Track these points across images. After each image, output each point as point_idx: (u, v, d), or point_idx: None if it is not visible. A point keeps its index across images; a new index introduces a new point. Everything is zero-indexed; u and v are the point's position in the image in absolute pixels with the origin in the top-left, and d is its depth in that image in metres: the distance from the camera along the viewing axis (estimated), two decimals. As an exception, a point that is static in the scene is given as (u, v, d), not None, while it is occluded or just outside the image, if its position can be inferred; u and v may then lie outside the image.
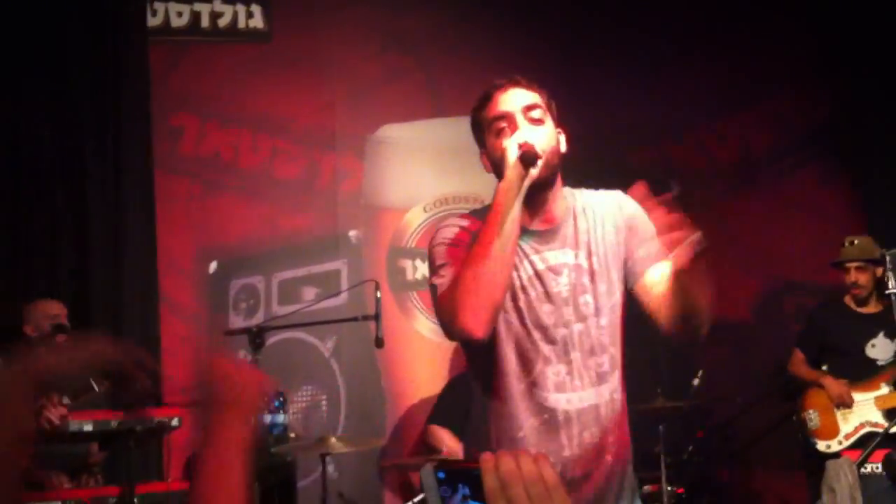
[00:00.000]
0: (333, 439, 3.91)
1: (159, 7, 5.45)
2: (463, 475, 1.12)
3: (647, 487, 4.05)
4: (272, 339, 4.38)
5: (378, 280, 4.47)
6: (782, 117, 5.64)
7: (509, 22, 5.73)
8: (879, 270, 4.44)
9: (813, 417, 4.56)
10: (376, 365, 5.17)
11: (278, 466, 4.25)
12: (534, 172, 2.22)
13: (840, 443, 4.43)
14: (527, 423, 2.25)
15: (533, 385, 2.26)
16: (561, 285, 2.30)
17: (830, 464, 3.80)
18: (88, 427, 3.84)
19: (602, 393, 2.29)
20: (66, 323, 4.43)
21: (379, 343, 4.29)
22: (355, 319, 4.52)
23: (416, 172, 5.49)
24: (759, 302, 5.53)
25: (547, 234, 2.35)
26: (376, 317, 4.31)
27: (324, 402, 5.21)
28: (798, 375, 4.70)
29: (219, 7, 5.55)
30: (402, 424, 5.12)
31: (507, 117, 2.32)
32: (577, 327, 2.28)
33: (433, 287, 2.29)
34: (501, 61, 5.68)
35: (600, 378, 2.29)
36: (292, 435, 4.39)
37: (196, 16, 5.54)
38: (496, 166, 2.32)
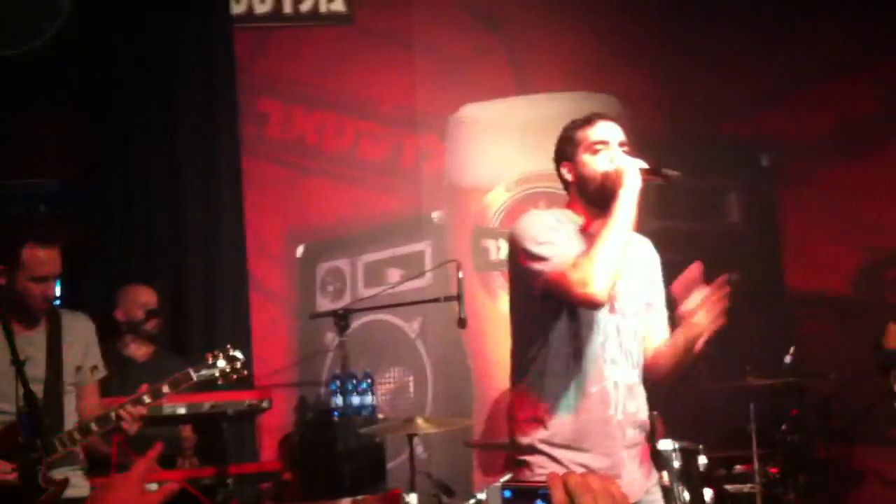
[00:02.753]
0: (421, 420, 3.94)
1: (242, -6, 5.53)
2: (530, 493, 1.16)
3: (738, 467, 3.98)
4: (358, 322, 4.44)
5: (462, 260, 4.47)
6: (883, 83, 5.42)
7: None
8: None
9: None
10: (462, 345, 5.18)
11: (367, 447, 4.30)
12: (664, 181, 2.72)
13: None
14: (600, 382, 2.66)
15: (598, 358, 2.68)
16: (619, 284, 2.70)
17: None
18: (182, 410, 3.94)
19: (640, 375, 2.76)
20: (157, 308, 4.55)
21: (462, 323, 4.30)
22: (438, 300, 4.54)
23: (499, 151, 5.46)
24: (859, 274, 5.35)
25: None
26: (459, 297, 4.32)
27: (411, 384, 5.25)
28: (893, 349, 4.53)
29: (301, -8, 5.60)
30: (488, 404, 5.11)
31: (606, 144, 2.75)
32: (627, 317, 2.74)
33: (538, 257, 2.65)
34: (587, 37, 5.60)
35: (638, 363, 2.76)
36: (380, 416, 4.44)
37: (278, 3, 5.60)
38: (583, 179, 2.75)
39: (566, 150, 2.83)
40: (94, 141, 5.30)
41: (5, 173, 5.19)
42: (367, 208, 5.49)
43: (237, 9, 5.52)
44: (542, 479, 1.20)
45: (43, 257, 3.43)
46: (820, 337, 5.06)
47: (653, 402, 2.80)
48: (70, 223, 5.19)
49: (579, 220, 2.77)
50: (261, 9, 5.56)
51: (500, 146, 5.49)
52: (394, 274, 5.29)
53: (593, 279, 2.56)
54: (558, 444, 2.64)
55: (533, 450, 2.66)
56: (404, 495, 3.89)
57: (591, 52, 5.60)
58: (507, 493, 1.16)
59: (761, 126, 5.59)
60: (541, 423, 2.66)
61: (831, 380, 4.66)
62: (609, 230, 2.61)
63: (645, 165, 2.70)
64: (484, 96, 5.61)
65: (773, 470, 4.00)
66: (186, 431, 4.33)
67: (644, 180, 2.66)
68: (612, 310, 2.71)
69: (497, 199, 5.37)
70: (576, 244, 2.67)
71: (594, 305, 2.62)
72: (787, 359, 4.22)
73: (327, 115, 5.64)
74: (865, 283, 5.29)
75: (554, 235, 2.70)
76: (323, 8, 5.61)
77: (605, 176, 2.71)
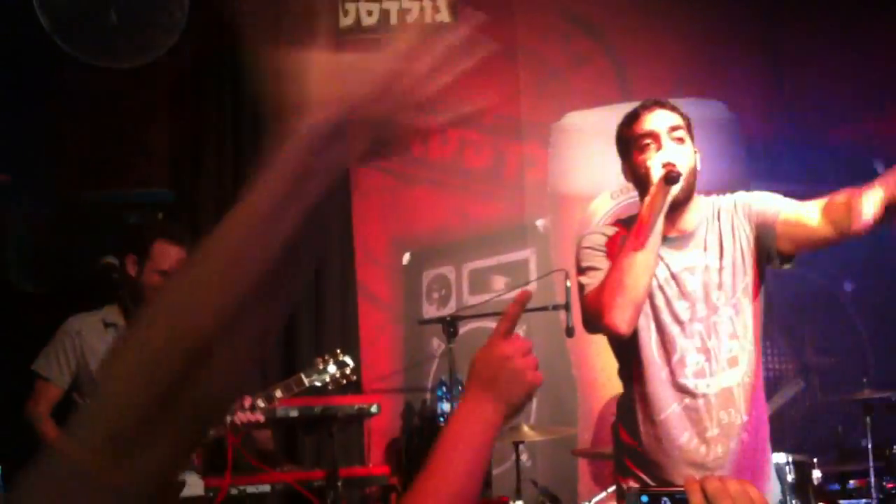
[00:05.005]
0: (526, 428, 3.96)
1: (350, 7, 5.64)
2: (667, 497, 1.18)
3: (853, 482, 3.89)
4: (464, 328, 4.47)
5: (567, 268, 4.47)
6: None
7: (699, 3, 5.58)
8: None
9: None
10: (567, 354, 5.17)
11: (472, 453, 4.33)
12: (675, 191, 2.50)
13: None
14: (669, 407, 2.55)
15: (673, 373, 2.56)
16: (694, 284, 2.60)
17: None
18: (294, 413, 4.04)
19: (735, 376, 2.57)
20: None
21: (570, 332, 4.30)
22: (546, 309, 4.55)
23: (602, 159, 5.39)
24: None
25: (681, 240, 2.65)
26: (566, 306, 4.32)
27: (516, 391, 5.26)
28: None
29: (406, 3, 5.68)
30: (593, 413, 5.10)
31: (653, 135, 2.60)
32: (712, 320, 2.58)
33: (581, 285, 2.65)
34: (692, 42, 5.54)
35: (733, 363, 2.57)
36: (485, 422, 4.47)
37: (385, 13, 5.70)
38: (638, 180, 2.63)
39: (621, 151, 2.74)
40: (204, 153, 5.46)
41: (121, 183, 5.39)
42: (471, 216, 5.54)
43: (345, 21, 5.64)
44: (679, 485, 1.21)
45: (172, 253, 3.60)
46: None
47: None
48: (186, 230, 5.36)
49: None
50: (368, 21, 5.67)
51: (604, 154, 5.41)
52: (498, 281, 5.33)
53: (608, 310, 2.46)
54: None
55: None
56: (511, 502, 3.91)
57: (696, 58, 5.54)
58: (645, 499, 1.18)
59: (874, 131, 5.44)
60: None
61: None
62: (623, 253, 2.48)
63: (682, 161, 2.49)
64: (587, 104, 5.60)
65: (890, 486, 3.90)
66: (263, 439, 4.35)
67: (661, 184, 2.46)
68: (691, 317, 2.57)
69: (602, 207, 5.35)
70: None
71: (617, 335, 2.51)
72: (906, 371, 4.10)
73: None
74: None
75: (595, 260, 2.62)
76: (428, 18, 5.68)
77: (647, 175, 2.53)
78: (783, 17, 5.50)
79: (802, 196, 2.65)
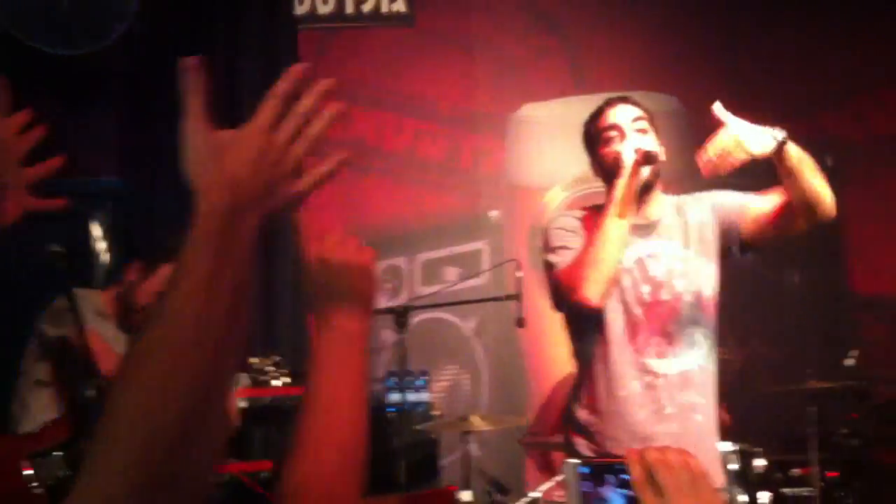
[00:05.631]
0: (476, 417, 3.95)
1: (305, -5, 5.60)
2: (607, 469, 1.16)
3: (796, 471, 3.93)
4: (416, 319, 4.45)
5: (519, 259, 4.48)
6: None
7: None
8: None
9: None
10: (518, 344, 5.19)
11: (422, 444, 4.33)
12: (645, 173, 2.64)
13: None
14: (630, 384, 2.63)
15: (635, 352, 2.65)
16: (658, 270, 2.69)
17: None
18: (243, 404, 4.02)
19: (694, 360, 2.66)
20: None
21: (520, 323, 4.30)
22: (497, 299, 4.55)
23: (557, 151, 5.45)
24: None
25: (647, 227, 2.74)
26: (517, 296, 4.32)
27: (466, 381, 5.27)
28: None
29: (362, -8, 5.66)
30: (543, 403, 5.11)
31: (617, 128, 2.72)
32: (674, 305, 2.67)
33: (549, 263, 2.71)
34: (647, 37, 5.57)
35: (692, 347, 2.67)
36: (436, 413, 4.47)
37: (341, 2, 5.66)
38: (606, 172, 2.73)
39: (588, 147, 2.84)
40: (153, 141, 5.40)
41: (67, 172, 5.30)
42: (425, 207, 5.53)
43: (300, 10, 5.59)
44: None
45: None
46: (882, 340, 4.97)
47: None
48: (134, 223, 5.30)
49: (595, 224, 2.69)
50: (323, 9, 5.63)
51: (559, 146, 5.48)
52: (451, 272, 5.32)
53: (582, 284, 2.55)
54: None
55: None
56: (458, 492, 3.91)
57: (651, 52, 5.57)
58: (585, 469, 1.16)
59: (825, 127, 5.50)
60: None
61: (893, 384, 4.57)
62: (598, 229, 2.59)
63: (651, 147, 2.65)
64: (543, 96, 5.62)
65: (832, 474, 3.94)
66: None
67: (636, 165, 2.60)
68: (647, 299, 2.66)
69: (555, 199, 5.37)
70: None
71: (588, 310, 2.60)
72: (849, 361, 4.16)
73: (387, 115, 5.69)
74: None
75: (567, 240, 2.70)
76: (384, 8, 5.66)
77: (615, 163, 2.67)
78: (737, 13, 5.55)
79: (752, 190, 2.74)
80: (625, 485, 1.12)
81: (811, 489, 3.80)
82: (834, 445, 4.03)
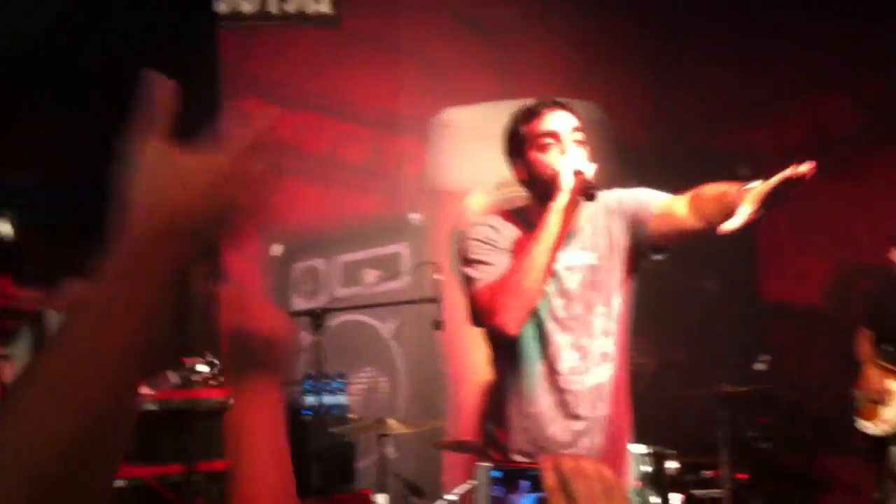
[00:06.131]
0: (392, 420, 3.93)
1: (228, -6, 5.53)
2: (520, 474, 1.15)
3: (706, 472, 3.98)
4: (333, 321, 4.42)
5: (440, 263, 4.47)
6: (859, 100, 5.45)
7: (583, 4, 5.66)
8: None
9: (860, 397, 4.42)
10: (436, 347, 5.18)
11: (338, 447, 4.29)
12: (588, 202, 2.49)
13: (877, 427, 4.27)
14: (542, 401, 2.51)
15: (548, 369, 2.54)
16: (573, 282, 2.59)
17: (894, 450, 3.67)
18: (152, 406, 3.92)
19: (606, 372, 2.58)
20: None
21: (438, 326, 4.29)
22: (416, 302, 4.54)
23: (480, 155, 5.45)
24: (831, 286, 5.37)
25: (567, 238, 2.59)
26: (437, 299, 4.31)
27: (384, 384, 5.25)
28: (858, 355, 4.56)
29: (286, -8, 5.60)
30: (461, 406, 5.11)
31: (555, 136, 2.54)
32: (587, 318, 2.58)
33: (467, 277, 2.56)
34: (571, 45, 5.62)
35: (605, 359, 2.58)
36: (352, 416, 4.43)
37: (264, 1, 5.60)
38: (535, 178, 2.56)
39: (514, 146, 2.63)
40: (70, 139, 5.28)
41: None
42: (346, 209, 5.49)
43: (223, 7, 5.51)
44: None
45: None
46: (792, 346, 5.08)
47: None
48: (45, 223, 5.16)
49: (515, 231, 2.58)
50: (246, 7, 5.56)
51: (481, 150, 5.48)
52: (371, 275, 5.30)
53: (501, 311, 2.44)
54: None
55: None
56: (374, 495, 3.88)
57: (575, 60, 5.62)
58: (497, 473, 1.16)
59: (740, 138, 5.62)
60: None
61: (801, 389, 4.68)
62: (526, 256, 2.46)
63: (589, 172, 2.46)
64: (466, 100, 5.63)
65: (742, 476, 4.01)
66: None
67: (575, 188, 2.44)
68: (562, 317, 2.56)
69: (476, 202, 5.38)
70: (509, 260, 2.52)
71: (505, 337, 2.48)
72: (759, 366, 4.24)
73: (309, 116, 5.64)
74: (836, 295, 5.31)
75: (485, 253, 2.56)
76: (309, 8, 5.61)
77: (552, 178, 2.48)
78: (658, 25, 5.63)
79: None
80: (537, 490, 1.12)
81: (721, 491, 3.85)
82: (744, 448, 4.10)
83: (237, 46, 5.59)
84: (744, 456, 4.04)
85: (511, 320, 2.44)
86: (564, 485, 1.05)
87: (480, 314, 2.49)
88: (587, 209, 2.62)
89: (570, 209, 2.47)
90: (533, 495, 1.13)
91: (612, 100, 5.39)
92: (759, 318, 5.35)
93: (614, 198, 2.65)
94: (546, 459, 1.13)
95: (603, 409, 2.53)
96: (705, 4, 5.58)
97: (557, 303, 2.57)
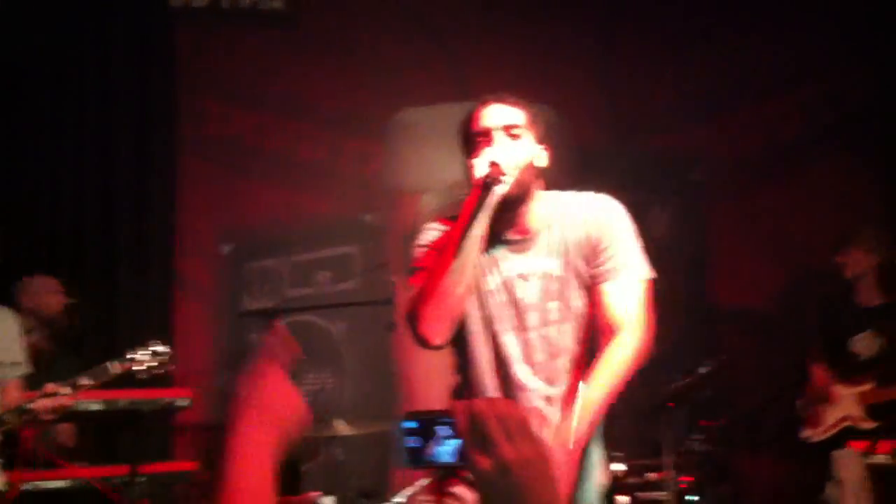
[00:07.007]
0: (340, 422, 3.93)
1: (180, -13, 5.47)
2: (435, 422, 1.15)
3: (651, 475, 4.01)
4: (284, 322, 4.39)
5: (394, 264, 4.47)
6: (806, 107, 5.51)
7: (535, 7, 5.68)
8: (874, 259, 4.39)
9: (804, 405, 4.48)
10: (388, 349, 5.17)
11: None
12: (499, 191, 2.30)
13: (820, 434, 4.34)
14: None
15: (500, 384, 2.43)
16: (527, 292, 2.43)
17: (836, 455, 3.72)
18: (97, 406, 3.89)
19: (557, 389, 2.43)
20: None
21: (391, 327, 4.29)
22: (369, 303, 4.53)
23: (435, 156, 5.45)
24: (784, 292, 5.43)
25: (521, 244, 2.46)
26: (390, 301, 4.31)
27: (334, 385, 5.23)
28: (806, 359, 4.62)
29: (240, -11, 5.56)
30: (412, 409, 5.11)
31: (485, 133, 2.40)
32: (543, 332, 2.43)
33: (412, 287, 2.42)
34: (526, 47, 5.63)
35: (560, 377, 2.44)
36: (301, 417, 4.41)
37: (216, -2, 5.56)
38: (473, 181, 2.37)
39: (461, 147, 2.49)
40: (21, 134, 5.21)
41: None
42: (302, 209, 5.47)
43: (175, 2, 5.45)
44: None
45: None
46: (741, 351, 5.12)
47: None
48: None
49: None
50: (198, 3, 5.51)
51: (437, 151, 5.49)
52: (323, 275, 5.28)
53: (420, 320, 2.30)
54: None
55: None
56: (322, 498, 3.87)
57: (529, 62, 5.63)
58: (411, 424, 1.15)
59: (693, 142, 5.66)
60: None
61: (750, 393, 4.72)
62: (439, 260, 2.30)
63: (508, 159, 2.30)
64: (423, 101, 5.62)
65: (687, 479, 4.04)
66: (65, 437, 4.17)
67: (483, 185, 2.26)
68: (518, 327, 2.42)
69: (430, 204, 5.38)
70: None
71: (430, 347, 2.36)
72: (704, 370, 4.27)
73: (264, 115, 5.62)
74: (786, 300, 5.36)
75: (428, 259, 2.38)
76: (262, 5, 5.57)
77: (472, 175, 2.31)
78: (612, 26, 5.66)
79: (625, 199, 2.56)
80: (454, 436, 1.13)
81: (666, 493, 3.88)
82: (689, 451, 4.13)
83: (193, 45, 5.55)
84: (689, 459, 4.06)
85: (431, 330, 2.31)
86: (477, 426, 1.04)
87: (408, 325, 2.36)
88: (549, 209, 2.47)
89: (478, 205, 2.28)
90: (453, 441, 1.12)
91: (566, 102, 5.40)
92: (707, 322, 5.40)
93: (593, 210, 2.48)
94: (458, 403, 1.12)
95: (552, 426, 2.37)
96: (658, 7, 5.62)
97: (509, 314, 2.44)
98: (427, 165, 5.48)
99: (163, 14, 5.39)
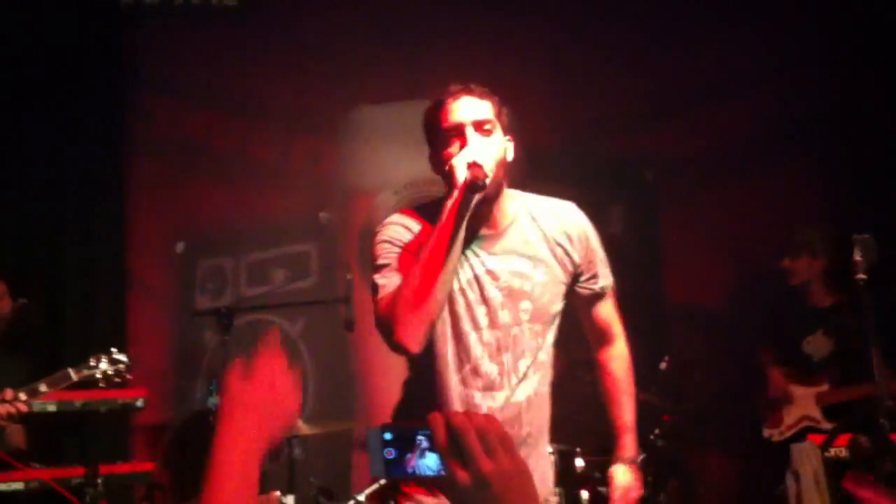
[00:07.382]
0: (300, 422, 3.90)
1: (131, -13, 5.38)
2: (413, 433, 1.14)
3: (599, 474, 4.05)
4: (240, 321, 4.35)
5: (351, 262, 4.45)
6: (756, 110, 5.61)
7: (489, 6, 5.70)
8: (821, 263, 4.49)
9: (763, 405, 4.56)
10: (345, 348, 5.15)
11: (244, 448, 4.22)
12: (478, 197, 2.28)
13: (781, 434, 4.43)
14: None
15: (462, 384, 2.37)
16: (499, 289, 2.39)
17: (794, 448, 3.79)
18: (52, 408, 3.82)
19: (526, 390, 2.41)
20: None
21: (349, 326, 4.26)
22: (326, 302, 4.50)
23: (390, 155, 5.45)
24: (735, 291, 5.52)
25: (492, 239, 2.43)
26: (347, 300, 4.29)
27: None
28: (760, 359, 4.70)
29: (191, -13, 5.49)
30: (372, 407, 5.09)
31: (458, 128, 2.34)
32: (513, 331, 2.39)
33: (375, 285, 2.35)
34: (480, 46, 5.65)
35: (527, 377, 2.41)
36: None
37: (166, -9, 5.47)
38: (443, 174, 2.35)
39: (427, 138, 2.44)
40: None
41: None
42: (255, 208, 5.42)
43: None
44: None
45: None
46: (695, 348, 5.20)
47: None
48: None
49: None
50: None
51: (391, 149, 5.49)
52: (278, 273, 5.23)
53: (398, 326, 2.21)
54: None
55: None
56: (281, 497, 3.84)
57: (482, 61, 5.65)
58: (388, 435, 1.14)
59: (645, 143, 5.72)
60: None
61: (704, 389, 4.79)
62: (420, 263, 2.22)
63: (485, 160, 2.26)
64: (377, 99, 5.60)
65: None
66: (17, 439, 4.07)
67: (468, 187, 2.22)
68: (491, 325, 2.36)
69: (386, 202, 5.37)
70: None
71: (407, 354, 2.29)
72: (662, 366, 4.33)
73: (217, 113, 5.55)
74: (738, 300, 5.45)
75: (393, 257, 2.32)
76: (214, 1, 5.50)
77: (450, 174, 2.27)
78: (567, 25, 5.70)
79: (575, 199, 2.59)
80: (433, 449, 1.13)
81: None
82: (647, 447, 4.17)
83: (143, 41, 5.47)
84: (648, 454, 4.11)
85: (410, 336, 2.22)
86: (455, 441, 1.03)
87: (382, 329, 2.27)
88: (516, 206, 2.45)
89: (464, 209, 2.25)
90: (432, 454, 1.12)
91: (522, 102, 5.41)
92: (663, 319, 5.47)
93: (570, 215, 2.51)
94: (436, 416, 1.11)
95: (518, 430, 2.36)
96: (614, 7, 5.68)
97: (480, 311, 2.38)
98: (382, 163, 5.46)
99: (113, 12, 5.30)
